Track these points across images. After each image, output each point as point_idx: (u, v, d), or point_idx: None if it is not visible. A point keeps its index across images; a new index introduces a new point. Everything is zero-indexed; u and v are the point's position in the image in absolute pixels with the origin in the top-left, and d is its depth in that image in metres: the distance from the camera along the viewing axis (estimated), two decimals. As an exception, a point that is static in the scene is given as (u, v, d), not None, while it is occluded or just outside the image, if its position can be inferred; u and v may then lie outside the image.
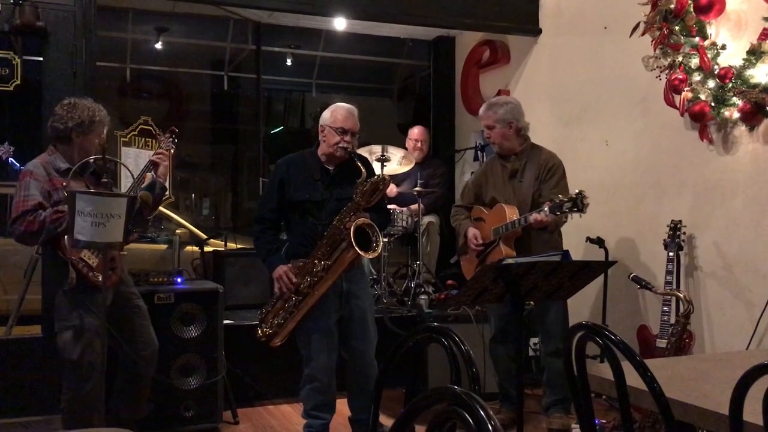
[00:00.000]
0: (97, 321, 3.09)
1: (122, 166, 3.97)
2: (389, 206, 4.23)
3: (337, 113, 3.45)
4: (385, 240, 5.01)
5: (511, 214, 3.78)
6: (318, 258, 3.30)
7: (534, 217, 3.61)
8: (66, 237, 2.98)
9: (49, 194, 3.11)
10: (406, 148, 5.61)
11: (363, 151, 4.83)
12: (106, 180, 2.96)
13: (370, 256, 3.32)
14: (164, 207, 5.18)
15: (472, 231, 3.98)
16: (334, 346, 3.47)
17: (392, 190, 5.46)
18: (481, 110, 4.03)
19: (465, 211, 4.15)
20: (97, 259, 3.12)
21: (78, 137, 3.23)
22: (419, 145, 5.68)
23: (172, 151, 3.56)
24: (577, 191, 3.47)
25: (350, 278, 3.46)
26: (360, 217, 3.28)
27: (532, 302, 4.15)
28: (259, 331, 3.49)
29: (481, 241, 3.93)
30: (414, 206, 5.19)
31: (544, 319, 3.92)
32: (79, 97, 3.37)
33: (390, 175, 4.18)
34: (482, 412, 0.94)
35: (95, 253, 3.13)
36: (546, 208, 3.56)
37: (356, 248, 3.20)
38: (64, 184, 3.09)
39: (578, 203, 3.47)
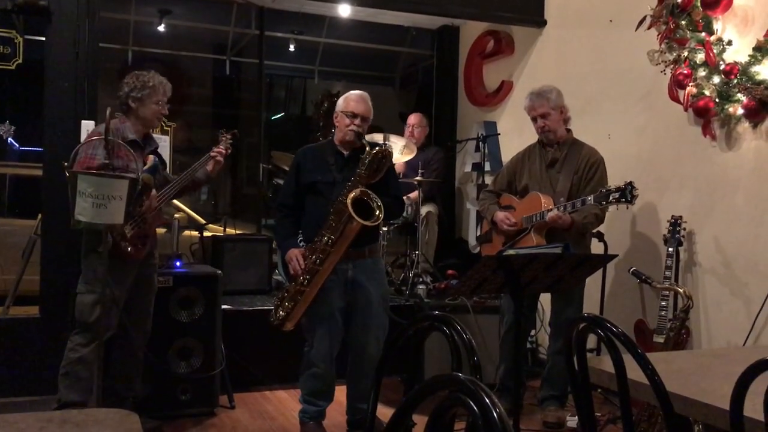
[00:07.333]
0: (118, 290, 3.23)
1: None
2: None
3: (349, 98, 3.56)
4: (384, 229, 4.99)
5: (547, 203, 3.71)
6: (325, 234, 3.34)
7: (550, 215, 3.53)
8: None
9: None
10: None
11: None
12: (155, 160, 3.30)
13: (371, 224, 3.34)
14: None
15: (501, 213, 3.89)
16: (336, 334, 3.47)
17: (400, 164, 5.38)
18: (531, 99, 3.89)
19: (494, 197, 4.06)
20: (133, 231, 3.22)
21: (134, 103, 3.36)
22: (411, 130, 5.66)
23: (229, 150, 3.74)
24: (627, 181, 3.38)
25: (358, 267, 3.47)
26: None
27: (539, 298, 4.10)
28: (274, 315, 3.48)
29: (513, 221, 3.84)
30: (413, 194, 5.16)
31: (558, 317, 3.88)
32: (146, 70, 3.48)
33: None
34: (487, 400, 0.94)
35: (131, 225, 3.21)
36: (590, 198, 3.48)
37: (355, 216, 3.23)
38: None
39: (626, 194, 3.33)
